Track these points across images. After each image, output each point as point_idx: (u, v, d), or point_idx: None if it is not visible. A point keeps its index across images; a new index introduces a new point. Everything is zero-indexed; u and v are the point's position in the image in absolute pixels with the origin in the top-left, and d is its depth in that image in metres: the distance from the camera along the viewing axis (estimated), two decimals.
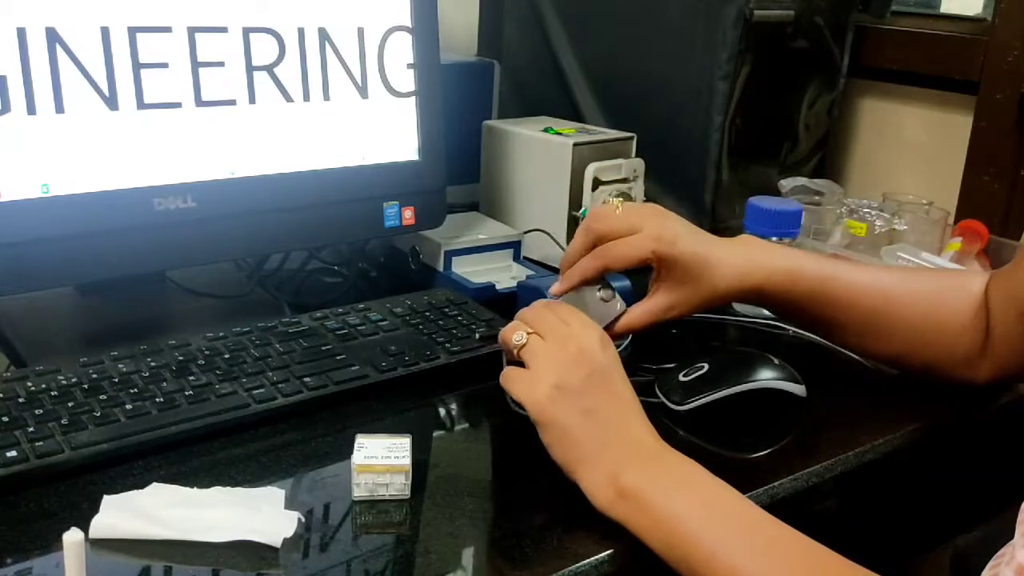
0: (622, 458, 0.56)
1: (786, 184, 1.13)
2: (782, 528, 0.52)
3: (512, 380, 0.61)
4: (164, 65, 0.73)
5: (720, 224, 1.13)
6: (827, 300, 0.74)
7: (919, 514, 0.85)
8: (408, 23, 0.86)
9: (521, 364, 0.62)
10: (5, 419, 0.60)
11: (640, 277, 0.77)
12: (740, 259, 0.73)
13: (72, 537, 0.41)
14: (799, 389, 0.73)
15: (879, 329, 0.75)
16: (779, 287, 0.73)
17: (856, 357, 0.84)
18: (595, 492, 0.56)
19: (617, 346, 0.60)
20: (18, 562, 0.51)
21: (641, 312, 0.73)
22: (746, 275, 0.73)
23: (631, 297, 0.85)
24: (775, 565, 0.51)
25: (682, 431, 0.69)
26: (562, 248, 0.99)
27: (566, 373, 0.59)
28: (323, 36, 0.81)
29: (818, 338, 0.88)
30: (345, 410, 0.69)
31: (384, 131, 0.87)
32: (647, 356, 0.80)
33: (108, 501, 0.55)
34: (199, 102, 0.75)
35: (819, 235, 1.08)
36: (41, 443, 0.58)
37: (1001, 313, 0.71)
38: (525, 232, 1.01)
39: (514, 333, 0.63)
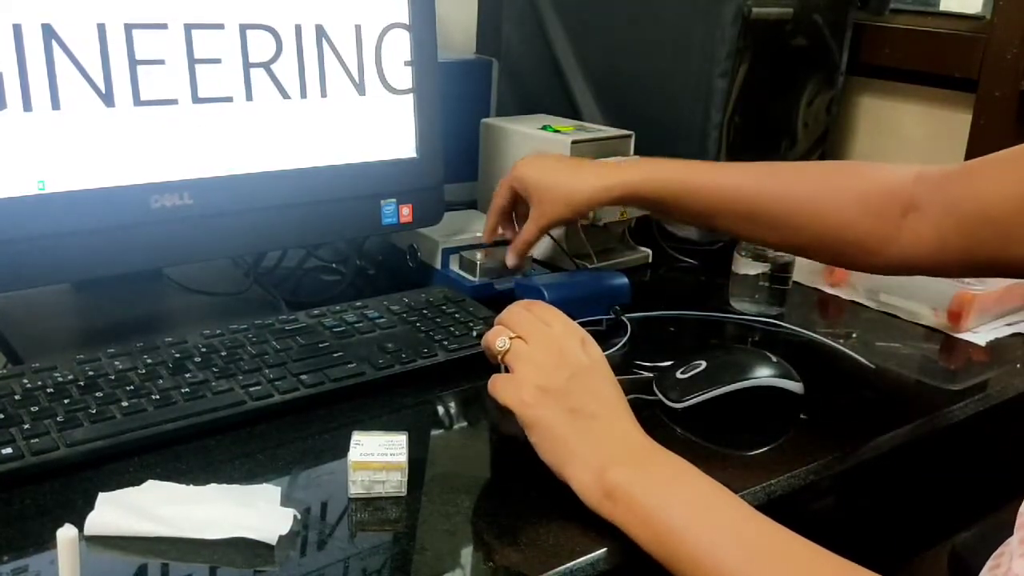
0: (609, 456, 0.56)
1: None
2: (771, 526, 0.52)
3: (497, 385, 0.62)
4: (160, 62, 0.73)
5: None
6: (698, 205, 0.81)
7: (916, 512, 0.85)
8: (406, 20, 0.86)
9: (506, 369, 0.62)
10: (1, 416, 0.60)
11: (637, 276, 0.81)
12: (600, 172, 0.85)
13: (66, 533, 0.41)
14: (797, 387, 0.73)
15: (761, 224, 0.79)
16: (642, 197, 0.83)
17: (855, 355, 0.84)
18: (584, 490, 0.56)
19: (612, 345, 0.61)
20: (13, 559, 0.51)
21: (524, 231, 0.88)
22: (608, 185, 0.83)
23: (629, 292, 0.85)
24: (762, 563, 0.50)
25: (680, 429, 0.69)
26: (560, 245, 0.99)
27: (550, 375, 0.60)
28: (320, 33, 0.81)
29: (817, 336, 0.88)
30: (342, 407, 0.69)
31: (382, 128, 0.86)
32: (645, 354, 0.80)
33: (103, 498, 0.55)
34: (196, 99, 0.75)
35: None
36: (37, 440, 0.58)
37: (936, 216, 0.70)
38: None
39: (497, 339, 0.63)
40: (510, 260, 0.90)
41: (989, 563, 0.43)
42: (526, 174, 0.87)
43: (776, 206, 0.78)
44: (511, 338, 0.62)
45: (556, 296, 0.83)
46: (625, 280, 0.89)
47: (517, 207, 0.92)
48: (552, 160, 0.90)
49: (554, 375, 0.60)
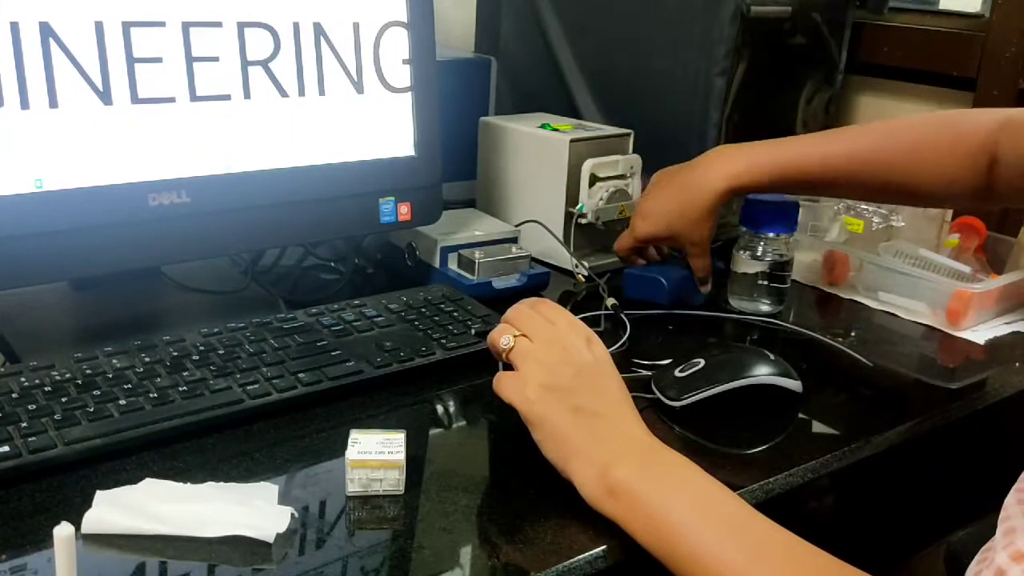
0: (613, 454, 0.56)
1: None
2: (772, 527, 0.52)
3: (502, 383, 0.62)
4: (158, 60, 0.73)
5: (718, 221, 1.13)
6: (810, 182, 0.86)
7: (914, 511, 0.85)
8: (404, 18, 0.86)
9: (511, 367, 0.62)
10: None
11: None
12: (708, 175, 0.86)
13: (62, 531, 0.41)
14: (795, 385, 0.73)
15: (869, 189, 0.86)
16: (757, 185, 0.86)
17: (854, 354, 0.84)
18: (586, 488, 0.56)
19: (612, 344, 0.61)
20: (11, 557, 0.51)
21: (693, 263, 0.91)
22: (721, 185, 0.85)
23: (689, 285, 0.93)
24: (762, 564, 0.50)
25: (678, 427, 0.69)
26: (559, 241, 0.99)
27: (554, 372, 0.60)
28: (318, 31, 0.81)
29: (815, 335, 0.88)
30: (340, 406, 0.69)
31: (380, 127, 0.86)
32: (643, 352, 0.80)
33: (101, 496, 0.54)
34: (193, 97, 0.75)
35: (816, 231, 1.08)
36: (34, 438, 0.58)
37: (1010, 166, 0.78)
38: (520, 224, 1.01)
39: (501, 337, 0.63)
40: (704, 290, 0.93)
41: (977, 557, 0.43)
42: (645, 232, 0.91)
43: (873, 171, 0.84)
44: (516, 336, 0.62)
45: (673, 282, 0.91)
46: (720, 264, 0.95)
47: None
48: (657, 203, 0.90)
49: (558, 373, 0.60)
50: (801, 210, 0.93)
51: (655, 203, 0.90)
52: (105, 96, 0.71)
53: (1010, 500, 0.44)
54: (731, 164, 0.85)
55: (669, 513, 0.53)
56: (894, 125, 0.87)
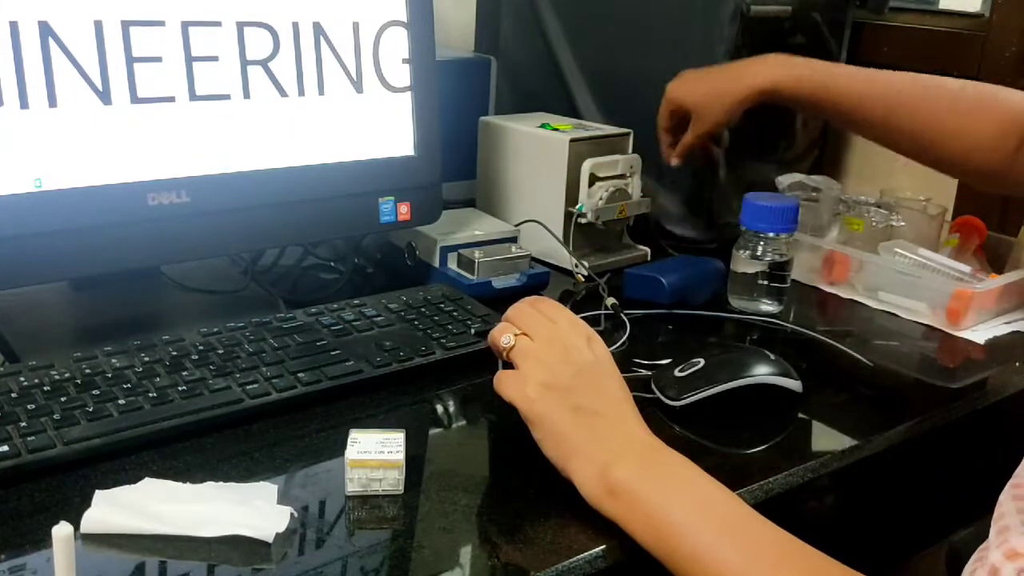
0: (613, 453, 0.56)
1: (783, 180, 1.13)
2: (771, 528, 0.52)
3: (502, 382, 0.62)
4: (158, 59, 0.73)
5: (718, 220, 1.13)
6: (843, 111, 0.89)
7: (915, 511, 0.85)
8: (404, 18, 0.86)
9: (512, 365, 0.62)
10: None
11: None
12: (749, 69, 0.92)
13: (61, 531, 0.41)
14: (795, 384, 0.73)
15: (892, 135, 0.88)
16: (793, 96, 0.90)
17: (854, 354, 0.84)
18: (586, 487, 0.56)
19: (610, 344, 0.61)
20: (10, 557, 0.51)
21: (685, 137, 0.97)
22: (759, 80, 0.90)
23: (721, 273, 0.94)
24: (761, 564, 0.50)
25: (678, 427, 0.69)
26: (559, 240, 0.99)
27: (554, 371, 0.60)
28: (318, 30, 0.81)
29: (815, 335, 0.88)
30: (339, 405, 0.69)
31: (379, 126, 0.86)
32: (643, 352, 0.80)
33: (100, 496, 0.54)
34: (193, 96, 0.75)
35: (816, 231, 1.08)
36: (33, 438, 0.58)
37: None
38: (520, 223, 1.01)
39: (502, 335, 0.63)
40: (673, 161, 1.00)
41: (973, 556, 0.43)
42: (681, 93, 0.96)
43: (913, 118, 0.85)
44: (516, 335, 0.62)
45: (674, 282, 0.90)
46: (721, 264, 0.95)
47: (679, 129, 0.99)
48: (699, 73, 0.97)
49: (559, 372, 0.60)
50: (801, 210, 0.93)
51: (696, 74, 0.96)
52: (104, 96, 0.71)
53: (1004, 497, 0.44)
54: (777, 67, 0.91)
55: (669, 513, 0.53)
56: (937, 81, 0.89)
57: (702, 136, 0.97)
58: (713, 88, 0.94)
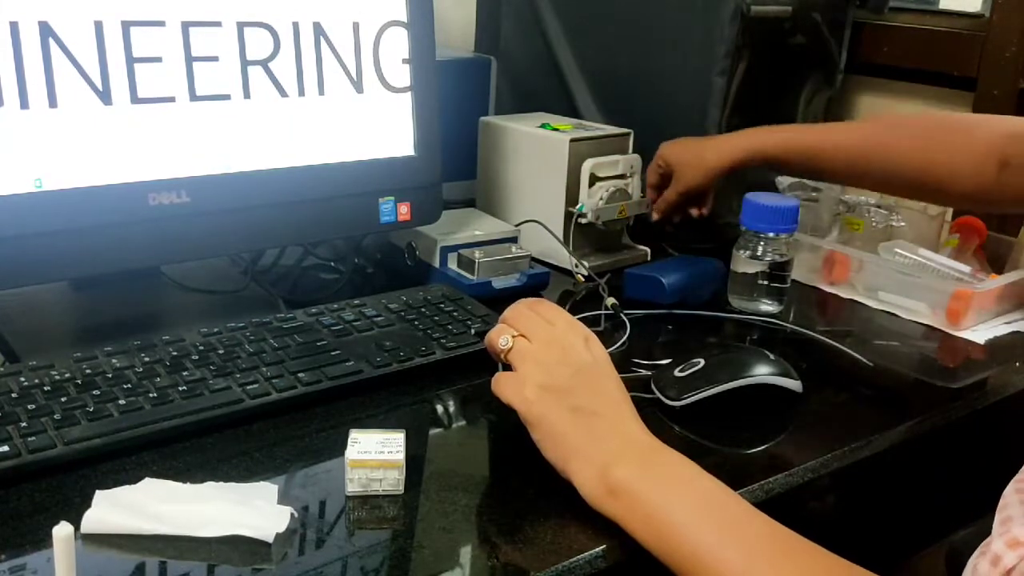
0: (613, 454, 0.56)
1: (783, 180, 1.13)
2: (773, 526, 0.52)
3: (500, 383, 0.62)
4: (158, 59, 0.73)
5: (718, 220, 1.13)
6: (822, 163, 0.94)
7: (915, 511, 0.85)
8: (404, 18, 0.86)
9: (509, 367, 0.62)
10: None
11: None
12: (731, 140, 0.98)
13: (61, 531, 0.41)
14: (795, 385, 0.73)
15: (876, 177, 0.93)
16: (773, 158, 0.96)
17: (854, 354, 0.84)
18: (587, 488, 0.56)
19: (610, 344, 0.61)
20: (10, 557, 0.51)
21: (666, 193, 1.02)
22: (737, 150, 0.97)
23: (720, 273, 0.95)
24: (763, 562, 0.50)
25: (678, 427, 0.69)
26: (559, 240, 0.99)
27: (552, 373, 0.60)
28: (318, 31, 0.81)
29: (815, 335, 0.88)
30: (339, 405, 0.69)
31: (380, 126, 0.86)
32: (643, 352, 0.80)
33: (100, 496, 0.54)
34: (193, 97, 0.75)
35: (816, 231, 1.08)
36: (33, 438, 0.58)
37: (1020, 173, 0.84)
38: (520, 224, 1.01)
39: (500, 337, 0.63)
40: (655, 216, 1.05)
41: (977, 550, 0.43)
42: (670, 153, 1.02)
43: (887, 163, 0.90)
44: (514, 336, 0.62)
45: (674, 282, 0.91)
46: (721, 264, 0.96)
47: (664, 185, 1.04)
48: (692, 139, 1.03)
49: (557, 373, 0.60)
50: (801, 210, 0.93)
51: (688, 139, 1.03)
52: (105, 96, 0.71)
53: (1008, 491, 0.44)
54: (751, 137, 0.97)
55: (670, 512, 0.53)
56: (906, 118, 0.95)
57: (680, 194, 1.01)
58: (697, 155, 0.99)
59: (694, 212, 1.05)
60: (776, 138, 0.96)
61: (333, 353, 0.72)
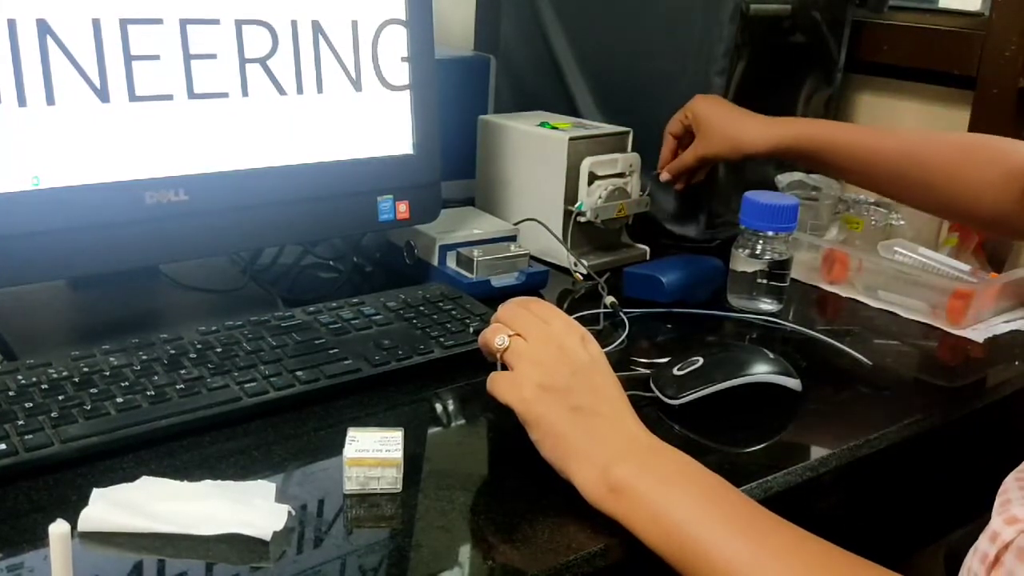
0: (613, 452, 0.56)
1: (783, 179, 1.13)
2: (776, 520, 0.52)
3: (497, 383, 0.61)
4: (156, 57, 0.73)
5: (717, 219, 1.13)
6: (851, 162, 0.92)
7: (914, 510, 0.85)
8: (403, 16, 0.86)
9: (505, 367, 0.62)
10: None
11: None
12: (773, 126, 0.94)
13: (58, 529, 0.41)
14: (794, 383, 0.73)
15: (903, 186, 0.90)
16: (815, 153, 0.93)
17: (853, 352, 0.84)
18: (587, 487, 0.56)
19: (610, 342, 0.61)
20: (7, 556, 0.50)
21: (684, 155, 1.00)
22: (779, 137, 0.93)
23: (720, 272, 0.95)
24: (770, 556, 0.50)
25: (677, 425, 0.69)
26: (558, 239, 0.99)
27: (550, 372, 0.59)
28: (316, 29, 0.81)
29: (815, 333, 0.88)
30: (337, 404, 0.68)
31: (378, 125, 0.86)
32: (642, 351, 0.80)
33: (97, 494, 0.54)
34: (191, 94, 0.75)
35: (816, 230, 1.08)
36: (31, 436, 0.58)
37: None
38: (519, 222, 1.01)
39: (496, 336, 0.62)
40: (663, 176, 1.04)
41: (972, 548, 0.43)
42: (701, 109, 0.99)
43: (919, 173, 0.87)
44: (510, 336, 0.62)
45: (673, 281, 0.90)
46: (721, 263, 0.96)
47: (684, 139, 1.02)
48: (726, 104, 1.00)
49: (555, 372, 0.59)
50: (801, 209, 0.93)
51: (728, 104, 0.99)
52: (102, 93, 0.71)
53: (1009, 479, 0.44)
54: (793, 127, 0.94)
55: (673, 510, 0.53)
56: (940, 133, 0.92)
57: (700, 159, 0.99)
58: (735, 126, 0.96)
59: (678, 186, 1.05)
60: (822, 134, 0.92)
61: (331, 351, 0.72)
